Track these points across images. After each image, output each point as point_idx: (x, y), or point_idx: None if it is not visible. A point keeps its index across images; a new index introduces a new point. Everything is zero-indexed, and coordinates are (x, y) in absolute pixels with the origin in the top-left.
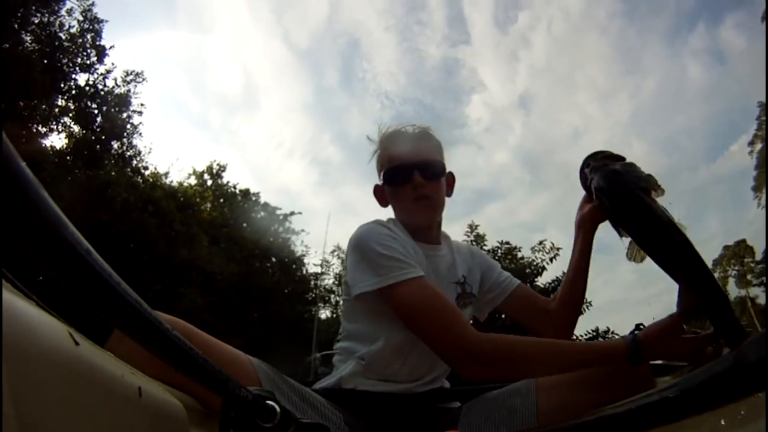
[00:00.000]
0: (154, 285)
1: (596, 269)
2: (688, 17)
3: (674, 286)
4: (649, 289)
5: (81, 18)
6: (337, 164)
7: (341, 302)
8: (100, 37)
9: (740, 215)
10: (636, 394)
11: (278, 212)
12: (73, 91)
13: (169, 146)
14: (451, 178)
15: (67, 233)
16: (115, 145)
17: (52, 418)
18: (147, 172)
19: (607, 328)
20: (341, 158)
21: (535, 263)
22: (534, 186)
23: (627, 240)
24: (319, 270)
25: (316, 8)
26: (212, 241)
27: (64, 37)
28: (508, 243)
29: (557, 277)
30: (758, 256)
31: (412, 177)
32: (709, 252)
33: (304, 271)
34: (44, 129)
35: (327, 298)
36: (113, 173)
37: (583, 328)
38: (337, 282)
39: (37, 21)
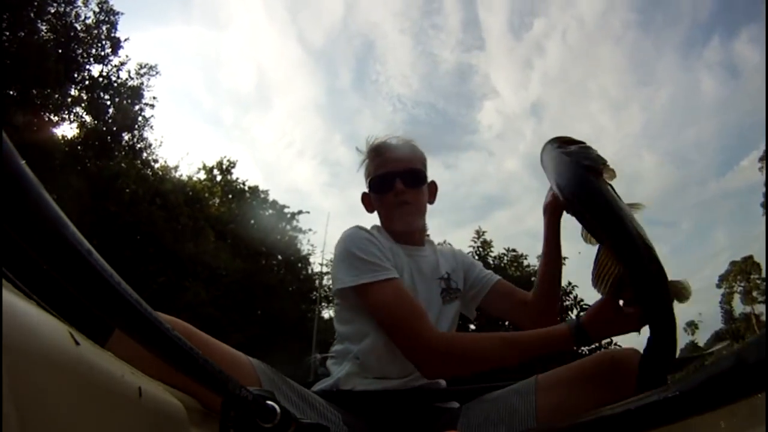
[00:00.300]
0: (159, 277)
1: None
2: (704, 30)
3: None
4: None
5: (97, 9)
6: (347, 165)
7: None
8: (116, 29)
9: (749, 231)
10: (635, 394)
11: (286, 210)
12: (87, 82)
13: (180, 140)
14: (433, 187)
15: (67, 233)
16: (126, 137)
17: (53, 418)
18: (157, 165)
19: (610, 340)
20: (351, 160)
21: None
22: (543, 194)
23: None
24: (323, 270)
25: (332, 8)
26: (219, 237)
27: (79, 28)
28: (514, 250)
29: (562, 287)
30: (765, 273)
31: (394, 185)
32: (716, 267)
33: (309, 270)
34: (56, 118)
35: (331, 298)
36: (123, 165)
37: None
38: None
39: (53, 11)
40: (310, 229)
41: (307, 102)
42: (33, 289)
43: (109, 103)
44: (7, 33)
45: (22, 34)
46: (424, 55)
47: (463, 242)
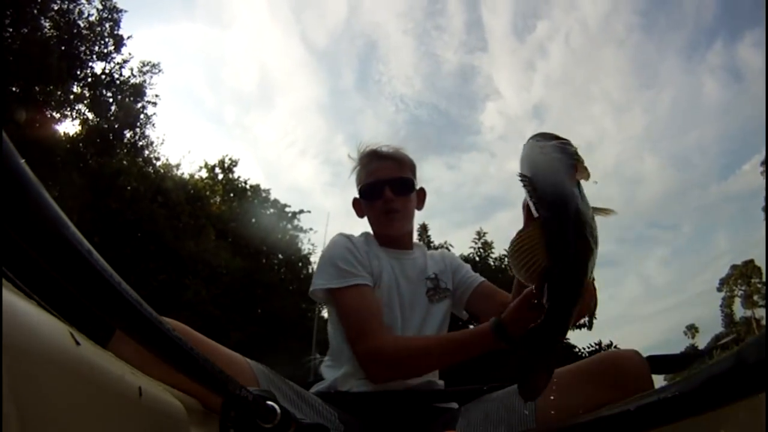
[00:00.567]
0: (159, 275)
1: (601, 283)
2: (707, 33)
3: (681, 304)
4: (655, 305)
5: (100, 7)
6: (349, 165)
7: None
8: (119, 27)
9: (750, 235)
10: (635, 394)
11: (287, 210)
12: (89, 79)
13: (182, 138)
14: (421, 193)
15: (67, 233)
16: (128, 134)
17: (53, 417)
18: (158, 163)
19: (610, 342)
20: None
21: None
22: None
23: None
24: None
25: (336, 8)
26: (220, 235)
27: (82, 25)
28: None
29: None
30: (765, 277)
31: (383, 193)
32: (716, 270)
33: (310, 270)
34: (58, 115)
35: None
36: (124, 162)
37: (586, 341)
38: None
39: (56, 8)
40: (311, 229)
41: (310, 101)
42: (33, 289)
43: (111, 100)
44: (11, 29)
45: (25, 30)
46: (427, 55)
47: (464, 243)
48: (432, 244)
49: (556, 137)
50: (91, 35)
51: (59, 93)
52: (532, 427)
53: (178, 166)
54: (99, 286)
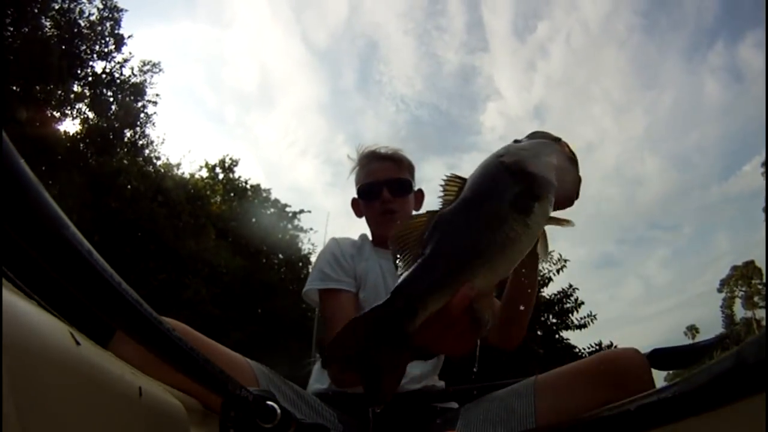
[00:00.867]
0: (159, 274)
1: (602, 284)
2: (708, 34)
3: (681, 304)
4: (655, 306)
5: (101, 6)
6: (349, 166)
7: None
8: (119, 26)
9: (750, 236)
10: (635, 394)
11: (287, 210)
12: (90, 78)
13: (183, 138)
14: (419, 195)
15: (68, 233)
16: (128, 133)
17: (53, 417)
18: (159, 163)
19: (611, 342)
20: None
21: (541, 274)
22: None
23: None
24: None
25: (336, 8)
26: (220, 235)
27: (83, 24)
28: None
29: (563, 289)
30: (765, 278)
31: (381, 193)
32: (717, 271)
33: (310, 270)
34: (58, 114)
35: None
36: (125, 161)
37: (586, 341)
38: None
39: (57, 7)
40: (311, 229)
41: (311, 101)
42: (33, 289)
43: (111, 99)
44: (11, 28)
45: (26, 29)
46: (427, 56)
47: None
48: None
49: (550, 136)
50: (92, 34)
51: (60, 92)
52: (531, 427)
53: (178, 165)
54: (99, 286)
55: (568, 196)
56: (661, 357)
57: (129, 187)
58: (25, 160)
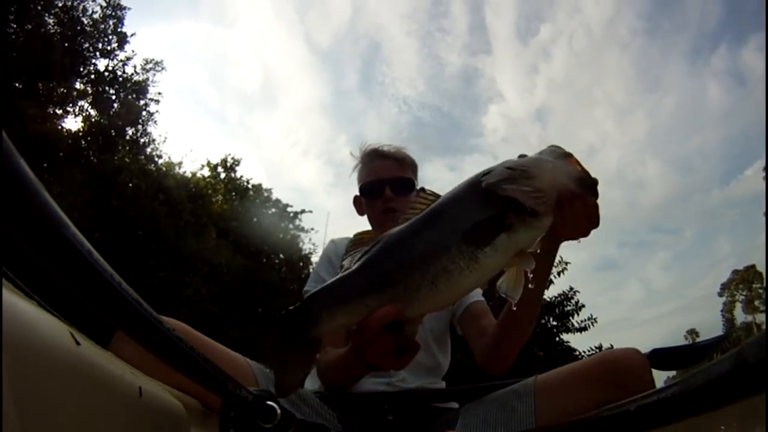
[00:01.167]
0: (159, 272)
1: (603, 287)
2: (711, 37)
3: (681, 308)
4: (656, 310)
5: (104, 4)
6: (351, 166)
7: None
8: (122, 24)
9: (752, 240)
10: (635, 394)
11: (289, 209)
12: (92, 76)
13: (185, 137)
14: None
15: (68, 233)
16: (130, 131)
17: (53, 417)
18: (160, 161)
19: (611, 345)
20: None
21: None
22: None
23: None
24: None
25: (339, 9)
26: (221, 234)
27: (86, 22)
28: None
29: (564, 291)
30: (765, 282)
31: (383, 192)
32: (718, 275)
33: (310, 270)
34: (60, 111)
35: None
36: (126, 159)
37: (586, 344)
38: None
39: (60, 4)
40: (312, 229)
41: (313, 102)
42: (33, 289)
43: (114, 97)
44: (14, 25)
45: (29, 26)
46: (430, 57)
47: None
48: None
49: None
50: (95, 32)
51: (62, 89)
52: (531, 428)
53: (180, 164)
54: (99, 286)
55: (578, 224)
56: (661, 357)
57: (130, 185)
58: (26, 157)
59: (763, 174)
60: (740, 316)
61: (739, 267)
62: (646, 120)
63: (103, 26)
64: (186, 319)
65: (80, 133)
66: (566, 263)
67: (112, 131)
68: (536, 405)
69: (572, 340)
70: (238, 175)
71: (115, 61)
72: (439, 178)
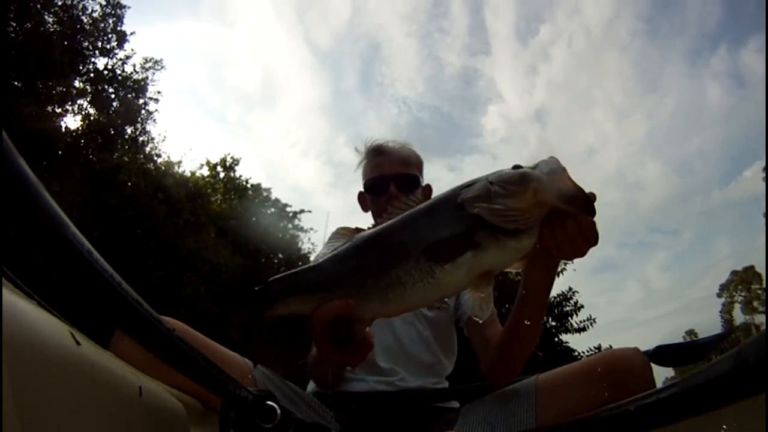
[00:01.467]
0: (158, 271)
1: (602, 288)
2: (711, 39)
3: (680, 309)
4: (655, 310)
5: (104, 2)
6: (351, 166)
7: None
8: (122, 23)
9: (751, 241)
10: (635, 394)
11: (288, 209)
12: (91, 74)
13: (184, 136)
14: (427, 190)
15: (68, 233)
16: (129, 130)
17: (53, 417)
18: (159, 160)
19: (610, 346)
20: (355, 161)
21: None
22: None
23: None
24: None
25: (339, 10)
26: (220, 233)
27: (85, 20)
28: None
29: (563, 292)
30: (765, 282)
31: (387, 188)
32: (717, 276)
33: None
34: (60, 109)
35: None
36: (125, 158)
37: (585, 345)
38: None
39: (60, 3)
40: (311, 228)
41: (313, 102)
42: (33, 289)
43: (113, 96)
44: (14, 24)
45: (29, 25)
46: (430, 58)
47: None
48: None
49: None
50: (94, 31)
51: (61, 88)
52: (532, 427)
53: (179, 163)
54: (99, 286)
55: (573, 244)
56: (665, 354)
57: (129, 183)
58: (25, 155)
59: (763, 175)
60: (739, 317)
61: (738, 268)
62: (646, 121)
63: (102, 25)
64: (185, 319)
65: (79, 132)
66: (565, 264)
67: (111, 130)
68: (537, 404)
69: (571, 340)
70: (237, 174)
71: (115, 60)
72: (439, 178)
